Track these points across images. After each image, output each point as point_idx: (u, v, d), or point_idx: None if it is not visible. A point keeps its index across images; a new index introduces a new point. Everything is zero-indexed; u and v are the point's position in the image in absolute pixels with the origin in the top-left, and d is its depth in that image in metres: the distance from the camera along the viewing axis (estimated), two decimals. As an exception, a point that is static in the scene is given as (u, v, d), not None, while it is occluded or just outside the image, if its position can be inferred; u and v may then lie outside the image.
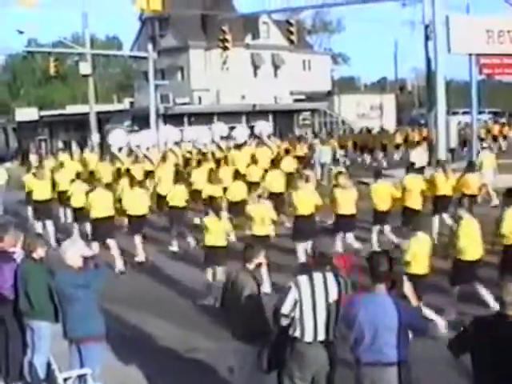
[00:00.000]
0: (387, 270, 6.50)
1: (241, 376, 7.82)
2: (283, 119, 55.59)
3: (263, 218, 13.94)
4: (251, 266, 7.98)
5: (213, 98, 57.69)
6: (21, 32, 47.07)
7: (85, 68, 44.88)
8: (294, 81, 61.96)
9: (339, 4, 41.34)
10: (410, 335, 6.58)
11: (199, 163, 23.34)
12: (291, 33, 38.33)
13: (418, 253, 10.54)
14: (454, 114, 49.50)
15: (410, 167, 18.69)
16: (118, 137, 31.03)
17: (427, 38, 32.54)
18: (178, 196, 18.41)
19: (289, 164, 24.65)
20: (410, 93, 72.44)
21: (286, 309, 7.01)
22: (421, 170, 21.50)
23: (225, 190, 19.29)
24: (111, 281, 11.29)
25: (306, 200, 15.28)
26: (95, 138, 45.11)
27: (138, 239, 17.24)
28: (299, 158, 29.94)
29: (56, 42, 57.70)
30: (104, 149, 41.71)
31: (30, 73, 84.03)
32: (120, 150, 28.41)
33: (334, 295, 7.03)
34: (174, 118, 48.60)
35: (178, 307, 13.22)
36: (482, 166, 22.66)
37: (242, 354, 7.70)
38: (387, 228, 16.51)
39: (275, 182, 19.92)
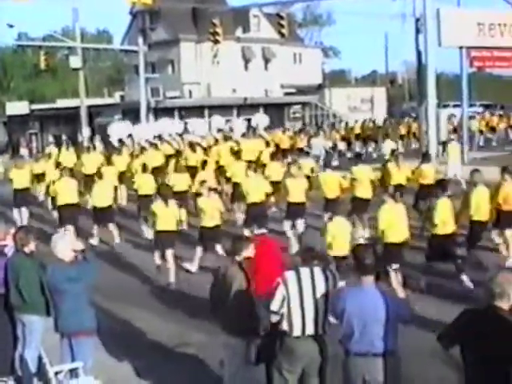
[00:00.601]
0: (373, 263, 6.54)
1: (230, 369, 7.83)
2: (274, 112, 55.51)
3: (213, 211, 14.77)
4: (240, 259, 7.96)
5: (203, 91, 57.58)
6: (11, 26, 46.82)
7: (75, 62, 44.73)
8: (284, 74, 61.87)
9: (330, -3, 41.33)
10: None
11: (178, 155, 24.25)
12: (282, 26, 38.22)
13: (337, 235, 11.04)
14: (445, 106, 49.55)
15: (356, 158, 20.44)
16: (119, 129, 31.30)
17: (418, 31, 32.54)
18: (146, 185, 19.13)
19: (266, 157, 25.15)
20: (401, 86, 72.38)
21: (274, 306, 7.09)
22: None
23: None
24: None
25: (255, 188, 16.61)
26: (85, 131, 44.95)
27: (112, 227, 18.13)
28: (300, 150, 31.02)
29: (46, 35, 57.48)
30: (94, 141, 41.56)
31: (20, 66, 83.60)
32: (120, 141, 28.88)
33: (321, 290, 7.06)
34: (164, 112, 48.44)
35: (168, 301, 13.20)
36: (448, 157, 23.87)
37: (231, 347, 7.70)
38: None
39: (238, 172, 20.48)
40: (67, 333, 8.21)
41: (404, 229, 12.28)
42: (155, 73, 54.36)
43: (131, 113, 47.17)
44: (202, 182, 15.97)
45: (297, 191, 16.56)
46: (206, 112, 50.96)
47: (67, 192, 17.89)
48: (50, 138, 51.21)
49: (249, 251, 8.04)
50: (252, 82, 57.56)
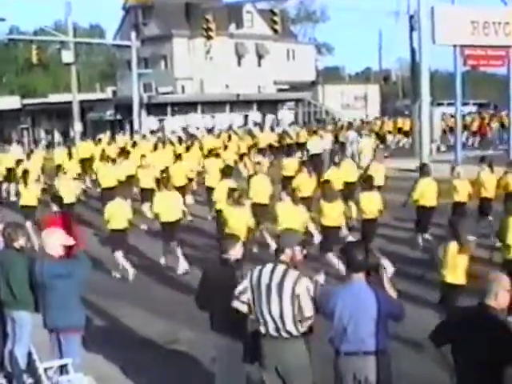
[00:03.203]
0: (363, 260, 6.46)
1: (222, 367, 7.74)
2: (267, 109, 55.51)
3: (68, 193, 17.81)
4: (227, 257, 7.85)
5: (196, 87, 57.53)
6: (2, 19, 46.65)
7: (67, 56, 44.61)
8: (277, 70, 61.89)
9: (323, -7, 41.34)
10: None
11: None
12: (275, 22, 38.21)
13: (114, 214, 14.24)
14: (439, 105, 49.62)
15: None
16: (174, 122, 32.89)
17: (412, 28, 32.57)
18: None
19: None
20: (395, 83, 72.41)
21: (237, 290, 7.00)
22: (318, 156, 26.71)
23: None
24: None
25: (107, 175, 20.78)
26: (77, 126, 44.83)
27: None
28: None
29: (38, 29, 57.21)
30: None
31: (11, 61, 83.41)
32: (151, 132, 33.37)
33: (288, 290, 6.71)
34: (157, 107, 48.43)
35: (159, 298, 13.14)
36: (361, 151, 26.19)
37: (221, 345, 7.61)
38: None
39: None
40: (55, 329, 8.13)
41: (268, 193, 16.75)
42: (148, 68, 54.31)
43: (123, 108, 47.12)
44: (65, 172, 19.92)
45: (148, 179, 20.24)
46: (199, 108, 50.91)
47: None
48: (42, 133, 51.13)
49: (236, 250, 7.91)
50: (245, 78, 57.55)
